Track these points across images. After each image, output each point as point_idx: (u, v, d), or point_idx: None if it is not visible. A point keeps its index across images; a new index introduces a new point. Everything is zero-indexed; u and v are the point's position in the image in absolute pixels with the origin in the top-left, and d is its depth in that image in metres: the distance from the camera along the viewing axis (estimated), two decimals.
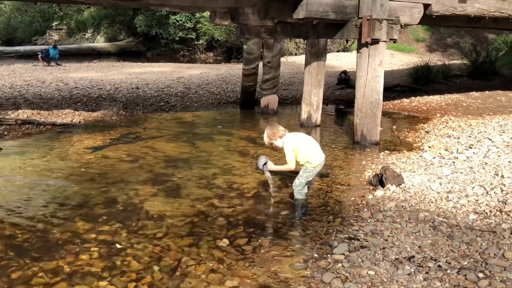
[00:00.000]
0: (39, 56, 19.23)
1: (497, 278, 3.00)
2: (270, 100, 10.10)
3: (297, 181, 4.76)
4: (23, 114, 8.71)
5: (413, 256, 3.38)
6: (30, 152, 6.53)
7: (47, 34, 35.00)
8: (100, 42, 31.86)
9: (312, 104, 8.68)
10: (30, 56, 23.66)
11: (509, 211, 4.04)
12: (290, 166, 4.66)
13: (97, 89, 12.10)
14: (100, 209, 4.52)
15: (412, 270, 3.17)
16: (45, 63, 18.76)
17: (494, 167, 5.17)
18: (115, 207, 4.58)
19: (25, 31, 35.46)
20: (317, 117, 8.74)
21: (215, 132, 8.13)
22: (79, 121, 8.63)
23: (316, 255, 3.58)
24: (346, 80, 13.11)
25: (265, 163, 4.70)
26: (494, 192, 4.48)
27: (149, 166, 5.95)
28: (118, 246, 3.72)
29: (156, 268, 3.40)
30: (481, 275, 3.06)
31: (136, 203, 4.70)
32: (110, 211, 4.47)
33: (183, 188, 5.19)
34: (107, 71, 16.38)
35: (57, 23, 35.84)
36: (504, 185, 4.58)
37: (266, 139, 4.72)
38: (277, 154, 5.76)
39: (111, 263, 3.47)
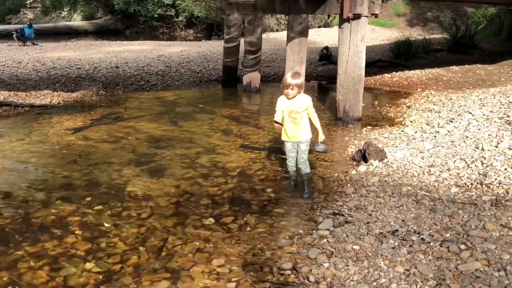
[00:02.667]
0: (14, 35, 18.69)
1: (478, 249, 3.07)
2: (252, 77, 10.02)
3: (306, 155, 4.36)
4: (0, 95, 8.49)
5: (396, 230, 3.44)
6: (8, 135, 6.39)
7: (21, 12, 33.93)
8: (77, 21, 31.04)
9: None
10: (4, 36, 22.92)
11: (489, 184, 4.12)
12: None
13: (75, 69, 11.84)
14: (83, 191, 4.47)
15: (396, 244, 3.23)
16: (20, 43, 18.25)
17: (475, 140, 5.25)
18: (98, 189, 4.53)
19: None
20: None
21: (197, 111, 8.06)
22: (58, 102, 8.46)
23: (301, 231, 3.61)
24: (328, 56, 13.05)
25: (320, 144, 4.36)
26: (475, 165, 4.56)
27: (131, 147, 5.89)
28: (106, 224, 3.70)
29: (142, 248, 3.39)
30: (463, 246, 3.12)
31: (119, 184, 4.66)
32: (93, 193, 4.42)
33: (167, 168, 5.15)
34: (85, 50, 16.01)
35: (31, 1, 34.75)
36: (485, 158, 4.65)
37: (298, 82, 4.09)
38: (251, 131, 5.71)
39: (96, 245, 3.45)
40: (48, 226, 3.74)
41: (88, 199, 4.28)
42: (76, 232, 3.64)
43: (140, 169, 5.08)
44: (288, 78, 4.09)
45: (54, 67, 11.92)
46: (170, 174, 4.94)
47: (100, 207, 4.10)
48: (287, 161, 4.48)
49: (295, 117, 4.17)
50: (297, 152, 4.35)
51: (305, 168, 4.35)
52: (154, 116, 7.59)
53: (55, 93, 9.02)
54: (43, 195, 4.40)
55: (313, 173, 4.92)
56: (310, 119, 4.29)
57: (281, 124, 4.31)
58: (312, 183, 4.58)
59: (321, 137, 4.31)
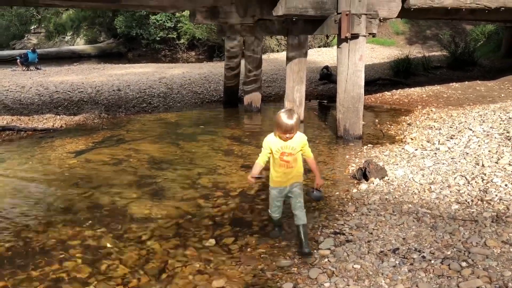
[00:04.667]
0: (18, 60, 18.93)
1: (479, 266, 3.06)
2: (253, 97, 10.10)
3: (303, 199, 3.73)
4: (3, 120, 8.57)
5: (397, 248, 3.42)
6: (11, 159, 6.43)
7: (25, 38, 34.49)
8: (80, 45, 31.49)
9: (295, 101, 8.69)
10: (8, 61, 23.24)
11: (490, 200, 4.11)
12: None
13: (78, 92, 11.96)
14: (85, 214, 4.48)
15: (397, 262, 3.21)
16: (24, 68, 18.49)
17: (475, 157, 5.26)
18: (99, 211, 4.54)
19: (3, 35, 34.89)
20: (300, 113, 8.76)
21: (198, 132, 8.10)
22: (61, 126, 8.53)
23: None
24: (328, 75, 13.16)
25: (315, 190, 3.77)
26: (475, 182, 4.56)
27: (133, 169, 5.91)
28: (107, 247, 3.70)
29: (142, 271, 3.38)
30: (464, 264, 3.11)
31: (120, 206, 4.67)
32: (95, 216, 4.43)
33: (168, 189, 5.17)
34: (88, 73, 16.20)
35: (35, 26, 35.34)
36: (485, 174, 4.65)
37: (293, 123, 3.42)
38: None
39: (97, 268, 3.45)
40: (49, 250, 3.74)
41: (90, 221, 4.29)
42: (77, 255, 3.64)
43: (141, 191, 5.09)
44: (286, 120, 3.40)
45: (56, 91, 12.05)
46: (171, 196, 4.95)
47: (101, 229, 4.11)
48: (269, 211, 3.81)
49: (288, 159, 3.53)
50: (287, 197, 3.69)
51: (302, 216, 3.62)
52: (156, 137, 7.63)
53: (58, 116, 9.10)
54: (44, 218, 4.41)
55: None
56: (304, 160, 3.71)
57: (259, 178, 3.75)
58: (313, 203, 4.57)
59: (319, 182, 3.74)
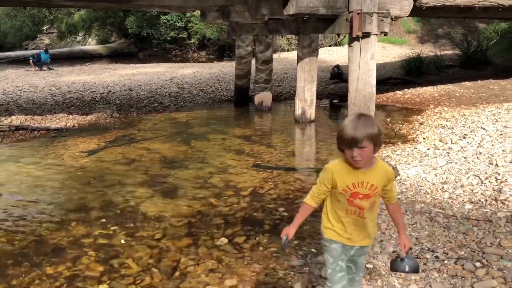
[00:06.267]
0: (31, 61, 19.14)
1: (494, 266, 3.03)
2: (263, 97, 10.10)
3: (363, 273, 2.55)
4: (17, 120, 8.67)
5: (410, 248, 3.39)
6: (24, 158, 6.51)
7: (38, 38, 34.81)
8: (91, 45, 31.72)
9: (306, 100, 8.68)
10: (21, 61, 23.49)
11: (504, 200, 4.07)
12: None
13: (90, 92, 12.06)
14: (97, 213, 4.52)
15: None
16: (37, 68, 18.67)
17: (488, 156, 5.21)
18: (112, 210, 4.58)
19: (16, 36, 35.25)
20: (311, 112, 8.75)
21: (210, 131, 8.13)
22: (73, 125, 8.61)
23: (314, 250, 3.59)
24: (339, 75, 13.12)
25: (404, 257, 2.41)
26: (489, 181, 4.51)
27: (145, 168, 5.95)
28: (119, 246, 3.73)
29: (155, 269, 3.40)
30: (478, 264, 3.08)
31: (133, 205, 4.70)
32: (107, 214, 4.47)
33: (180, 188, 5.19)
34: (99, 73, 16.32)
35: (47, 27, 35.66)
36: (499, 174, 4.61)
37: (372, 132, 2.09)
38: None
39: (110, 266, 3.47)
40: (63, 248, 3.78)
41: (103, 220, 4.32)
42: (90, 253, 3.67)
43: (153, 190, 5.12)
44: (352, 128, 2.09)
45: (69, 91, 12.16)
46: (183, 195, 4.97)
47: (113, 228, 4.14)
48: (328, 281, 2.35)
49: (362, 205, 2.22)
50: (350, 264, 2.37)
51: None
52: (167, 137, 7.67)
53: (70, 116, 9.18)
54: (58, 217, 4.46)
55: None
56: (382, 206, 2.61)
57: (287, 244, 2.37)
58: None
59: (407, 243, 2.42)
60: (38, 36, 35.11)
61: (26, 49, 31.50)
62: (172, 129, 8.36)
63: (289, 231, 2.37)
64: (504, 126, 6.39)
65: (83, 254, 3.66)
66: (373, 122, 2.11)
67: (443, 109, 8.89)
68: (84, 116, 9.28)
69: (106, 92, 12.07)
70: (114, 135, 7.77)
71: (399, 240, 2.45)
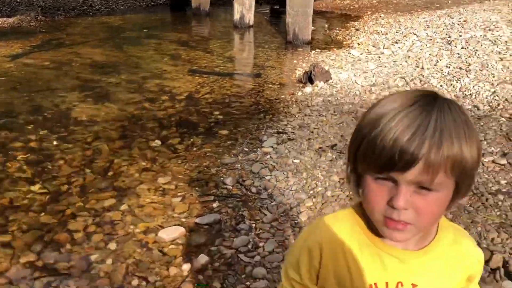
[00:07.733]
0: None
1: None
2: (201, 0, 9.70)
3: None
4: None
5: (335, 144, 3.61)
6: None
7: None
8: None
9: (245, 4, 8.44)
10: None
11: None
12: None
13: None
14: (26, 117, 4.36)
15: (334, 157, 3.41)
16: None
17: (416, 60, 5.43)
18: (41, 115, 4.43)
19: None
20: (250, 17, 8.56)
21: (144, 36, 7.81)
22: None
23: (246, 149, 3.73)
24: None
25: None
26: (414, 83, 4.76)
27: (74, 73, 5.71)
28: (50, 149, 3.68)
29: (88, 170, 3.41)
30: None
31: (63, 110, 4.57)
32: (37, 119, 4.33)
33: (113, 93, 5.07)
34: None
35: None
36: (423, 76, 4.85)
37: (454, 152, 0.74)
38: None
39: (42, 168, 3.44)
40: None
41: (32, 125, 4.19)
42: (19, 157, 3.60)
43: (85, 95, 4.97)
44: (410, 132, 0.73)
45: None
46: (116, 99, 4.88)
47: (43, 132, 4.04)
48: None
49: None
50: None
51: None
52: (98, 41, 7.31)
53: None
54: None
55: (261, 96, 5.00)
56: None
57: None
58: (260, 106, 4.66)
59: None
60: None
61: None
62: (104, 33, 7.95)
63: None
64: (434, 32, 6.61)
65: (12, 158, 3.58)
66: (470, 127, 0.79)
67: (380, 16, 9.00)
68: (5, 18, 8.57)
69: None
70: (41, 39, 7.29)
71: None
